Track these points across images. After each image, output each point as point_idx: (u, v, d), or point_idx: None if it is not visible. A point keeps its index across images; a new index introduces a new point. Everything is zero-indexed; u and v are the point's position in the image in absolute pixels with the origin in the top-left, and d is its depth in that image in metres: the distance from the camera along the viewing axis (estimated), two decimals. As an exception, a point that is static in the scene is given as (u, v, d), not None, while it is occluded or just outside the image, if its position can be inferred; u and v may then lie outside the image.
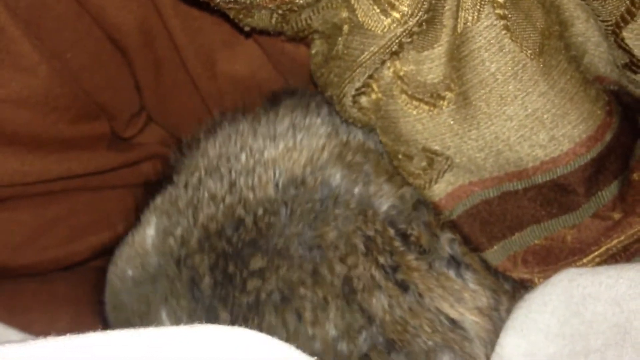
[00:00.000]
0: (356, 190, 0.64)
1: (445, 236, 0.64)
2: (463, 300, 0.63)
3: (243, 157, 0.66)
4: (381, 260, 0.62)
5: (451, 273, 0.63)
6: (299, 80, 0.72)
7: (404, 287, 0.62)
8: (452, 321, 0.62)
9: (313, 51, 0.65)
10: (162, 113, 0.78)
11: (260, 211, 0.63)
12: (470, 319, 0.62)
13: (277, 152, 0.65)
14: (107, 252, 0.77)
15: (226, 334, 0.51)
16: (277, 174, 0.64)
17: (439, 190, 0.64)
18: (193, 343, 0.50)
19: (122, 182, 0.79)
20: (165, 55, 0.73)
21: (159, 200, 0.67)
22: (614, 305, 0.55)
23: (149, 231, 0.65)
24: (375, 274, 0.61)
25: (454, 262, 0.64)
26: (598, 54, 0.63)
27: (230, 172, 0.65)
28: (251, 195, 0.64)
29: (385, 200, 0.64)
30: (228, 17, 0.64)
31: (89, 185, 0.76)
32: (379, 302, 0.61)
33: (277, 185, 0.64)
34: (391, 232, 0.63)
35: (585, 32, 0.62)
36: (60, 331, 0.70)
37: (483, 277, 0.64)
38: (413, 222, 0.64)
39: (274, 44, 0.70)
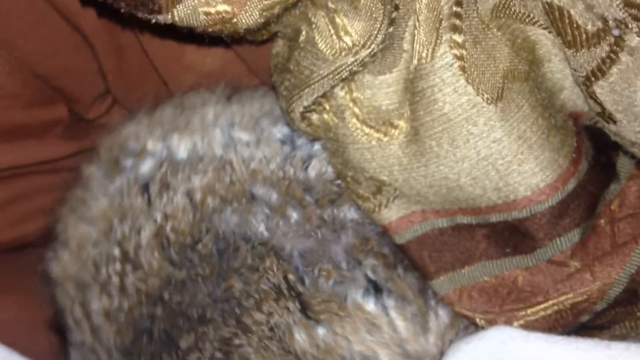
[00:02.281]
0: (254, 232, 0.61)
1: (368, 261, 0.62)
2: (379, 332, 0.60)
3: (117, 251, 0.63)
4: (290, 306, 0.60)
5: (368, 303, 0.61)
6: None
7: (317, 325, 0.60)
8: (364, 357, 0.60)
9: (274, 51, 0.62)
10: (128, 99, 0.76)
11: (166, 296, 0.61)
12: (383, 353, 0.60)
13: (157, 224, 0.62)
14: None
15: None
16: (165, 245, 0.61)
17: (389, 214, 0.61)
18: None
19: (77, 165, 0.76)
20: (128, 42, 0.70)
21: None
22: None
23: None
24: (289, 318, 0.59)
25: (374, 289, 0.61)
26: (576, 92, 0.59)
27: (111, 276, 0.63)
28: (146, 288, 0.62)
29: (288, 239, 0.61)
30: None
31: (42, 169, 0.75)
32: (300, 341, 0.59)
33: (171, 261, 0.61)
34: (292, 278, 0.60)
35: (564, 69, 0.58)
36: (7, 323, 0.72)
37: (408, 304, 0.62)
38: (325, 256, 0.61)
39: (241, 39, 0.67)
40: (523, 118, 0.56)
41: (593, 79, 0.54)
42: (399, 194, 0.60)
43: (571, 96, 0.59)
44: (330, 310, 0.60)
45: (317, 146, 0.63)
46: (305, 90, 0.57)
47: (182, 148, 0.64)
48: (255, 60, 0.70)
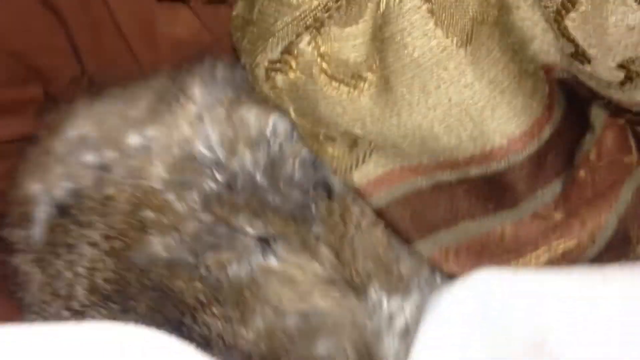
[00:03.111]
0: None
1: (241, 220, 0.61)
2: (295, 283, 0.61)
3: None
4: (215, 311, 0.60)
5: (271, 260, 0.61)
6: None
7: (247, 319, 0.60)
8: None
9: (234, 13, 0.61)
10: (103, 78, 0.75)
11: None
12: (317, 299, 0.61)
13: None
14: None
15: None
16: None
17: (367, 171, 0.60)
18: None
19: None
20: (101, 18, 0.70)
21: None
22: (531, 313, 0.52)
23: None
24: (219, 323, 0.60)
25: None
26: (547, 40, 0.58)
27: None
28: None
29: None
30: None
31: (18, 150, 0.74)
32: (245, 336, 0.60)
33: None
34: (200, 286, 0.60)
35: (532, 16, 0.57)
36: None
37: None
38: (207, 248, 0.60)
39: (205, 7, 0.66)
40: (494, 62, 0.55)
41: (564, 11, 0.53)
42: (374, 146, 0.59)
43: (542, 46, 0.58)
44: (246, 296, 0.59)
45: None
46: (270, 40, 0.57)
47: None
48: (221, 30, 0.69)
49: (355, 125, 0.58)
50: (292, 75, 0.58)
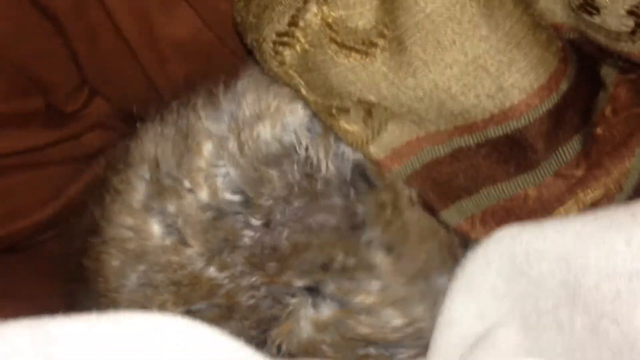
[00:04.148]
0: None
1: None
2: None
3: None
4: None
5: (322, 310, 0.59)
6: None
7: None
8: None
9: (236, 7, 0.60)
10: (104, 85, 0.74)
11: None
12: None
13: None
14: (50, 228, 0.75)
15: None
16: None
17: (384, 144, 0.59)
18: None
19: (62, 157, 0.75)
20: (99, 22, 0.69)
21: None
22: (560, 262, 0.49)
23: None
24: None
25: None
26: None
27: None
28: None
29: None
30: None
31: (27, 162, 0.73)
32: None
33: None
34: None
35: None
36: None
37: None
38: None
39: (206, 3, 0.66)
40: (507, 14, 0.55)
41: None
42: (390, 114, 0.58)
43: (548, 5, 0.59)
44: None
45: None
46: (277, 9, 0.56)
47: None
48: (223, 28, 0.69)
49: (369, 92, 0.57)
50: (299, 48, 0.57)
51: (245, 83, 0.61)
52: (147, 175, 0.60)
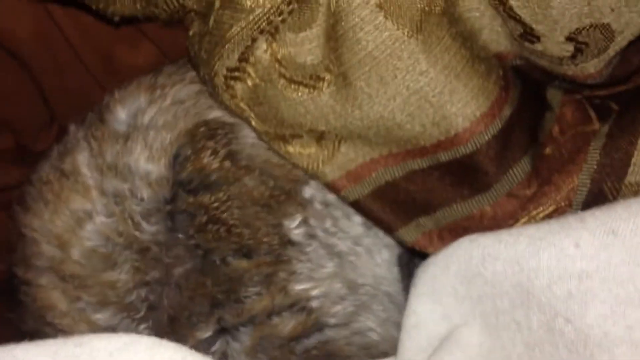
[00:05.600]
0: None
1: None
2: None
3: None
4: None
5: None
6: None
7: None
8: None
9: (191, 32, 0.62)
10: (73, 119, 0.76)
11: None
12: None
13: None
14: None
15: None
16: None
17: (339, 164, 0.61)
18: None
19: None
20: (65, 59, 0.71)
21: None
22: (513, 264, 0.52)
23: None
24: None
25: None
26: (496, 29, 0.60)
27: None
28: None
29: None
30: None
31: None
32: None
33: None
34: None
35: (479, 6, 0.59)
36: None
37: None
38: None
39: (166, 37, 0.68)
40: (445, 48, 0.57)
41: None
42: (342, 138, 0.60)
43: (492, 36, 0.60)
44: None
45: None
46: (227, 46, 0.58)
47: None
48: (180, 56, 0.71)
49: (319, 123, 0.59)
50: (251, 82, 0.59)
51: None
52: None
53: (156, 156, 0.61)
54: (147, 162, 0.61)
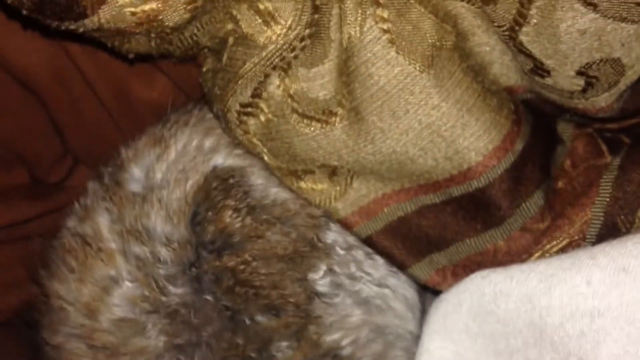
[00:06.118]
0: None
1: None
2: None
3: None
4: None
5: None
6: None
7: None
8: None
9: (204, 69, 0.63)
10: (87, 153, 0.77)
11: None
12: None
13: None
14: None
15: None
16: None
17: (351, 200, 0.61)
18: None
19: (45, 230, 0.73)
20: (80, 94, 0.72)
21: None
22: (525, 301, 0.52)
23: None
24: None
25: None
26: (507, 63, 0.61)
27: None
28: None
29: None
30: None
31: (12, 237, 0.74)
32: None
33: None
34: None
35: (489, 40, 0.60)
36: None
37: None
38: None
39: (180, 72, 0.68)
40: (457, 83, 0.57)
41: (517, 27, 0.56)
42: (354, 173, 0.60)
43: (502, 70, 0.61)
44: None
45: None
46: (240, 82, 0.59)
47: None
48: (195, 90, 0.71)
49: (331, 158, 0.60)
50: (263, 117, 0.60)
51: None
52: None
53: (174, 218, 0.61)
54: (166, 224, 0.61)
